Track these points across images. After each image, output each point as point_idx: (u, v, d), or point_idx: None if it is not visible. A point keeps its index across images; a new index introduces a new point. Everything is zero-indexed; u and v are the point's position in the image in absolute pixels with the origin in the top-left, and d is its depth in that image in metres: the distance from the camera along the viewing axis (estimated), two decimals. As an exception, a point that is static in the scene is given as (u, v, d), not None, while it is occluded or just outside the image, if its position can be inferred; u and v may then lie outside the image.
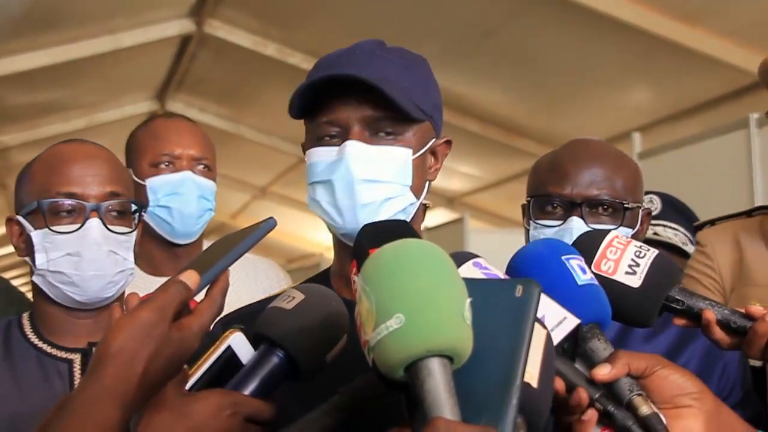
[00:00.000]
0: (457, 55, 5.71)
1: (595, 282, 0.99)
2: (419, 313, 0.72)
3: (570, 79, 5.67)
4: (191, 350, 0.86)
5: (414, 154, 1.16)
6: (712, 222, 2.06)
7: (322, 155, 1.15)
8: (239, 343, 0.92)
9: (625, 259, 1.04)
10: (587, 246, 1.06)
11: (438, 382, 0.72)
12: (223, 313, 1.21)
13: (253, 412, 0.88)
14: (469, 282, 0.78)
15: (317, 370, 0.93)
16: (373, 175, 1.13)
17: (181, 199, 1.94)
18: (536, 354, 0.81)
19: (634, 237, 1.48)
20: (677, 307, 1.06)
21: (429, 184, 1.22)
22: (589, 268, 1.02)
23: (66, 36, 5.85)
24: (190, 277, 0.87)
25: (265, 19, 6.14)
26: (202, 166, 1.99)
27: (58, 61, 5.96)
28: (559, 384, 0.89)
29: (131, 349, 0.81)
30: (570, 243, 1.42)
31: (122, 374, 0.80)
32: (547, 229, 1.48)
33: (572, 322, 0.91)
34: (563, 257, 0.98)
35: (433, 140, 1.20)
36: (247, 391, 0.89)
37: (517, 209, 1.62)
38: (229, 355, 0.91)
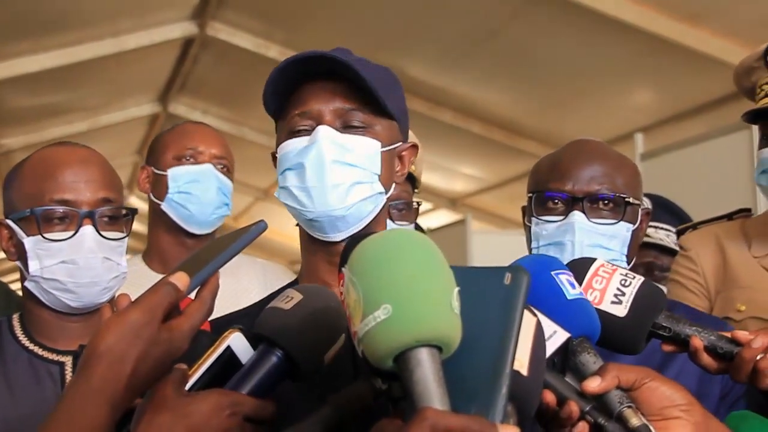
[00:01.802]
0: (459, 56, 5.71)
1: (584, 296, 1.00)
2: (407, 302, 0.72)
3: (573, 79, 5.67)
4: (180, 351, 0.86)
5: (382, 147, 1.17)
6: (694, 226, 2.08)
7: (293, 145, 1.16)
8: (238, 343, 0.92)
9: (611, 288, 1.04)
10: (573, 275, 1.05)
11: (427, 371, 0.72)
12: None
13: (253, 412, 0.88)
14: (458, 270, 0.77)
15: (316, 370, 0.93)
16: (343, 157, 1.14)
17: (201, 186, 2.03)
18: (526, 342, 0.81)
19: (634, 234, 1.48)
20: (664, 333, 1.07)
21: (394, 186, 1.23)
22: None
23: (70, 38, 5.87)
24: (180, 279, 0.88)
25: (268, 21, 6.15)
26: (221, 166, 2.09)
27: (61, 64, 5.98)
28: (550, 397, 0.90)
29: (120, 350, 0.82)
30: (572, 237, 1.43)
31: (111, 374, 0.81)
32: (549, 224, 1.47)
33: (562, 336, 0.92)
34: (552, 272, 0.98)
35: (400, 143, 1.22)
36: (246, 391, 0.89)
37: (520, 210, 1.61)
38: (229, 355, 0.92)
